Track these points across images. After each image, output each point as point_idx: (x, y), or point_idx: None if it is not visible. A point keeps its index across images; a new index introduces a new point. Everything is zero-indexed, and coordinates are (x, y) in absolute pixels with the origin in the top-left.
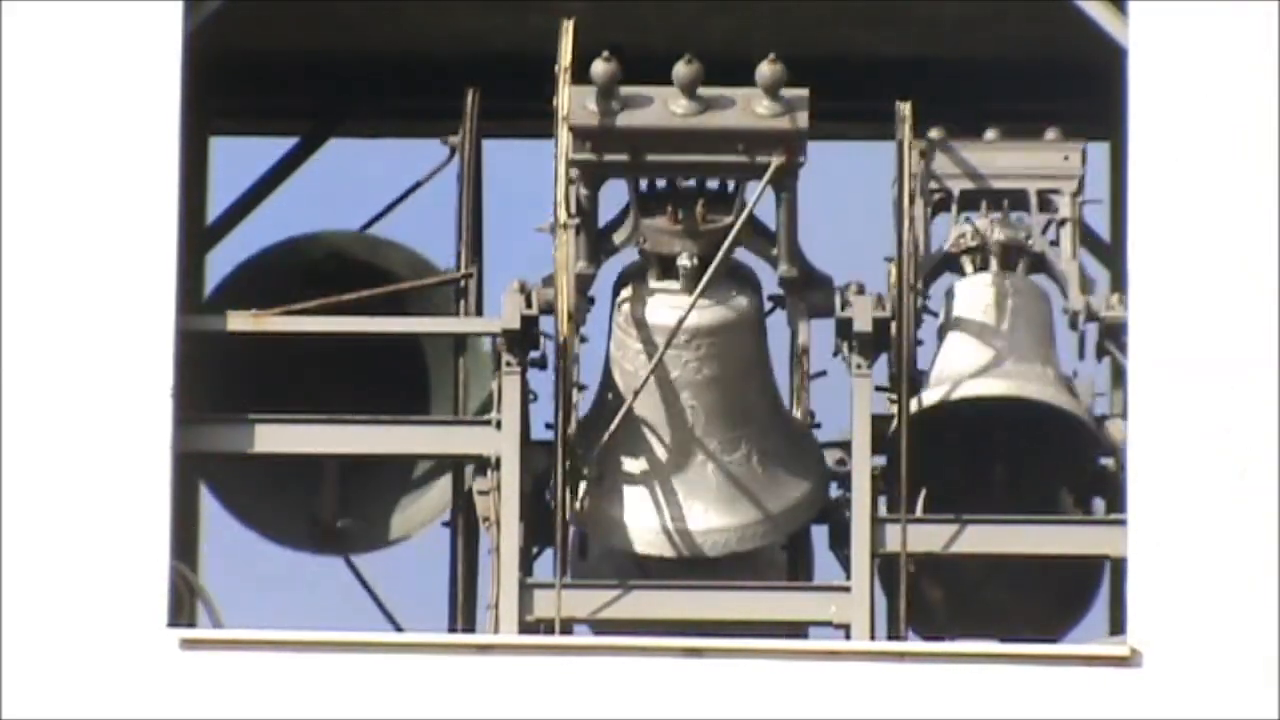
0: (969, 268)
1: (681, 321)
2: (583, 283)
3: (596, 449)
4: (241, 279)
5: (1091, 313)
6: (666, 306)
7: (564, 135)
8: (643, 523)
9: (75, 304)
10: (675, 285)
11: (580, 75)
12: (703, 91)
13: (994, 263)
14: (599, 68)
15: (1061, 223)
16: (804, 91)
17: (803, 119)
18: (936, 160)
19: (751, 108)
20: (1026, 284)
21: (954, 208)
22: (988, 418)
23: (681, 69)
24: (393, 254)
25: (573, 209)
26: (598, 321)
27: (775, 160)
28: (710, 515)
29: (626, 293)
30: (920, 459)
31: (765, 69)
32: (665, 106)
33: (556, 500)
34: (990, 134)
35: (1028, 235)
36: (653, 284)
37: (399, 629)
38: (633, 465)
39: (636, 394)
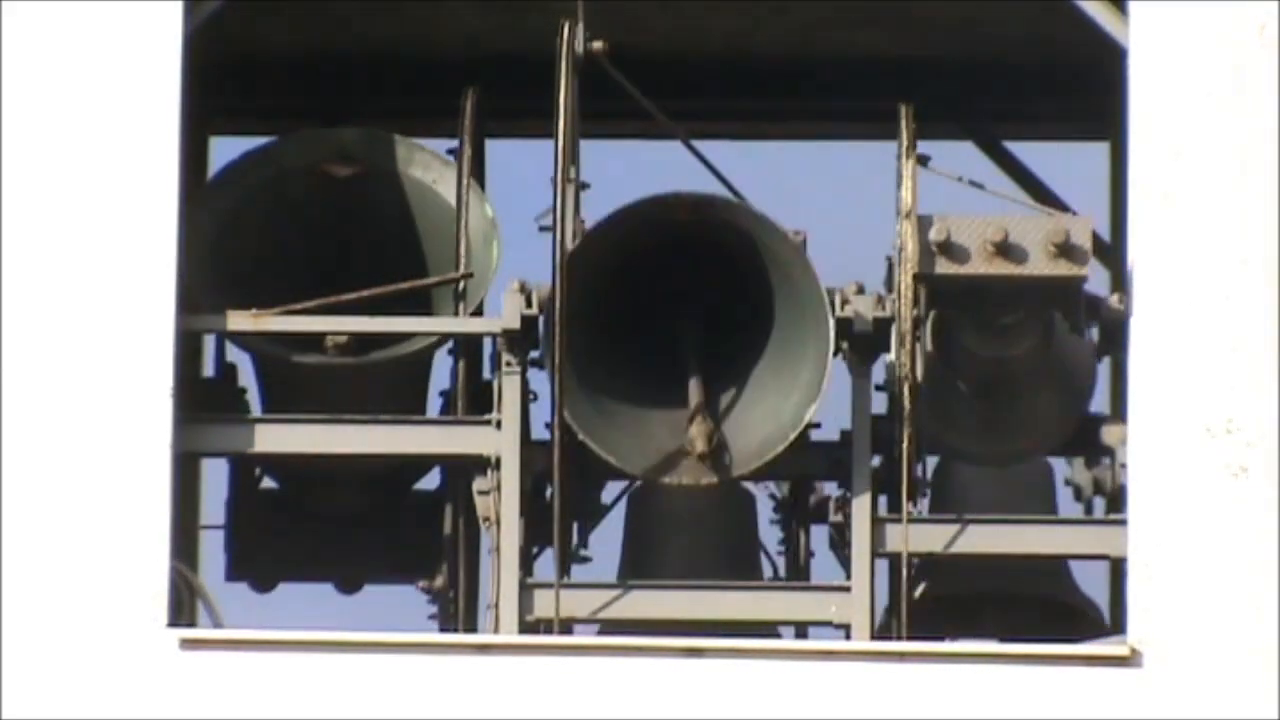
0: None
1: None
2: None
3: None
4: (242, 168)
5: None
6: None
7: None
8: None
9: (75, 304)
10: None
11: (579, 80)
12: None
13: None
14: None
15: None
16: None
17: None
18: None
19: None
20: None
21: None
22: None
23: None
24: (390, 148)
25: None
26: None
27: None
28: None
29: None
30: None
31: None
32: None
33: (555, 500)
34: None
35: None
36: None
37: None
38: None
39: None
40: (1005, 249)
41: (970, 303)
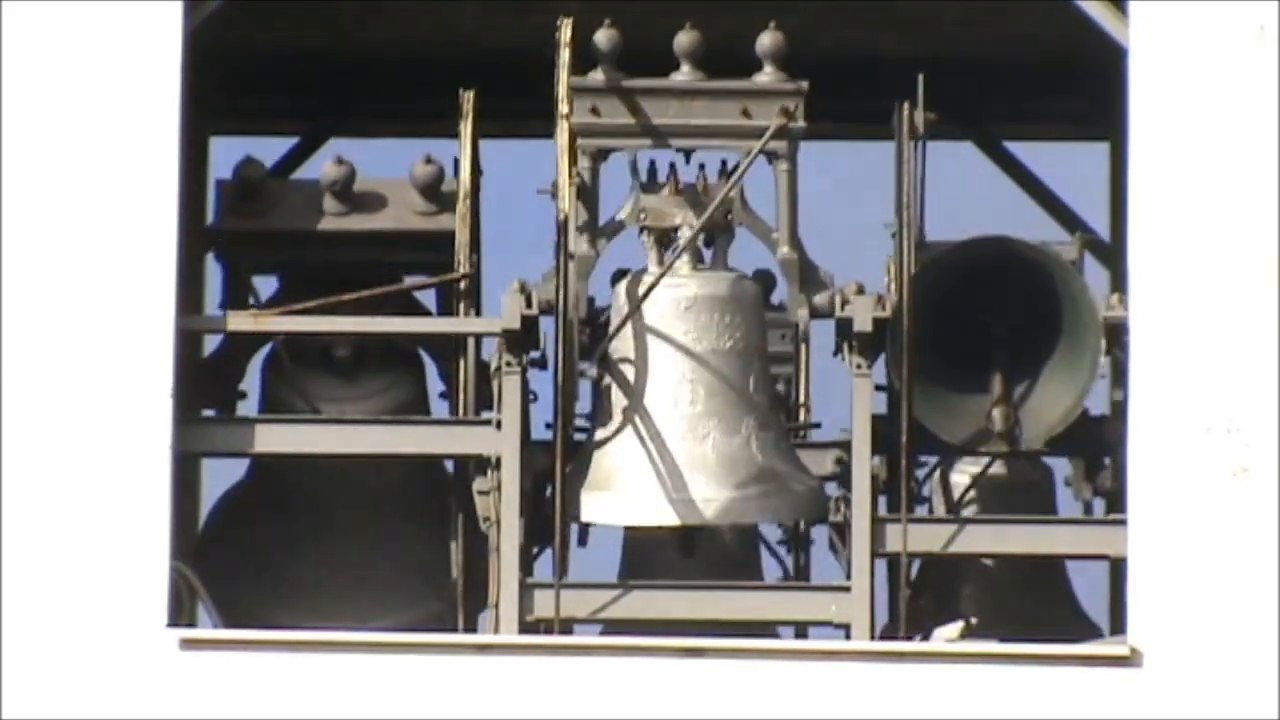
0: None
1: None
2: (584, 265)
3: (600, 438)
4: None
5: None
6: (667, 287)
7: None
8: (643, 495)
9: (75, 304)
10: (676, 270)
11: (579, 71)
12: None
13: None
14: (603, 36)
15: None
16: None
17: (803, 84)
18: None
19: (753, 80)
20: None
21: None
22: None
23: (683, 37)
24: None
25: (574, 178)
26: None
27: (776, 121)
28: (711, 486)
29: (625, 282)
30: None
31: (766, 38)
32: (668, 78)
33: (556, 500)
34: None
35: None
36: (651, 269)
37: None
38: (632, 443)
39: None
40: None
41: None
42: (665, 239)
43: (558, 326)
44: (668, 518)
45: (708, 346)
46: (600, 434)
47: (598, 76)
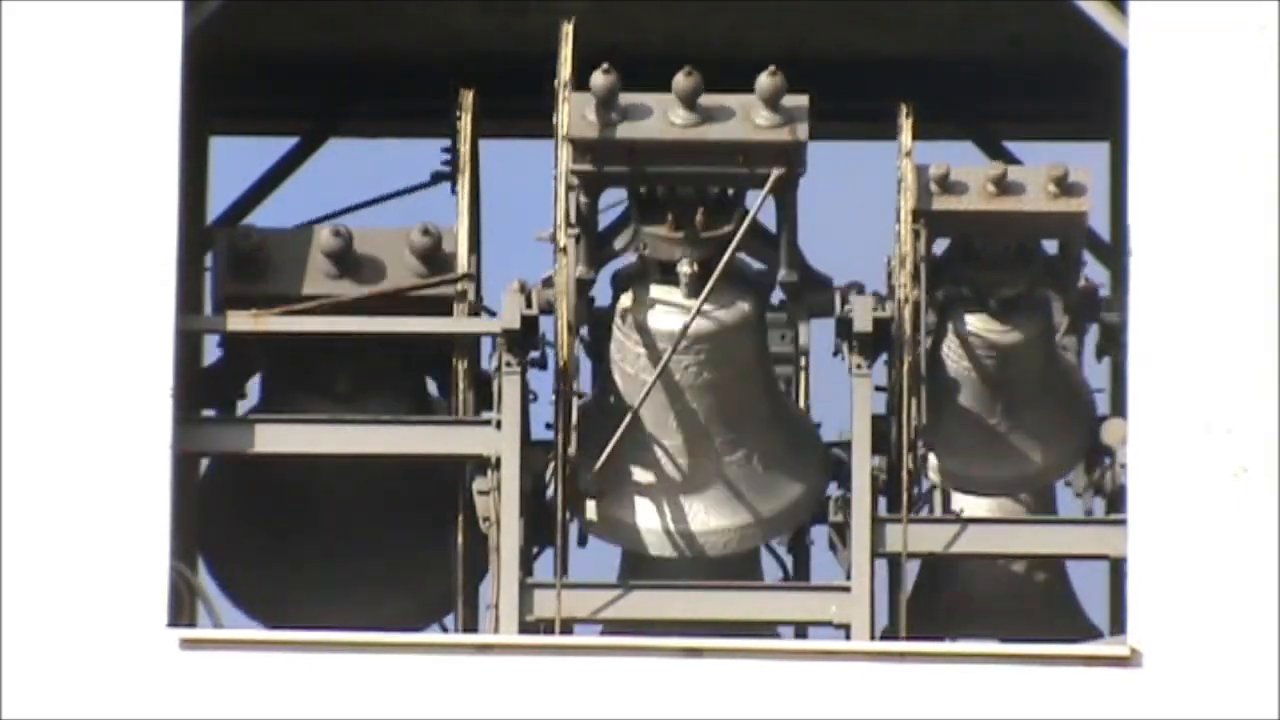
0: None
1: (685, 329)
2: (583, 287)
3: (602, 458)
4: None
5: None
6: (668, 312)
7: (564, 154)
8: (648, 525)
9: (75, 304)
10: (676, 292)
11: (580, 83)
12: (703, 100)
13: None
14: (598, 80)
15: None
16: (803, 100)
17: (802, 130)
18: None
19: (751, 118)
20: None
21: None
22: None
23: (681, 80)
24: None
25: (572, 218)
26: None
27: (775, 172)
28: (710, 517)
29: (627, 298)
30: None
31: (765, 81)
32: (665, 117)
33: (557, 500)
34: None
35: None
36: (653, 289)
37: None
38: (636, 469)
39: (641, 402)
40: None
41: (968, 240)
42: (666, 265)
43: (556, 327)
44: (668, 551)
45: (709, 378)
46: (606, 457)
47: (590, 118)
